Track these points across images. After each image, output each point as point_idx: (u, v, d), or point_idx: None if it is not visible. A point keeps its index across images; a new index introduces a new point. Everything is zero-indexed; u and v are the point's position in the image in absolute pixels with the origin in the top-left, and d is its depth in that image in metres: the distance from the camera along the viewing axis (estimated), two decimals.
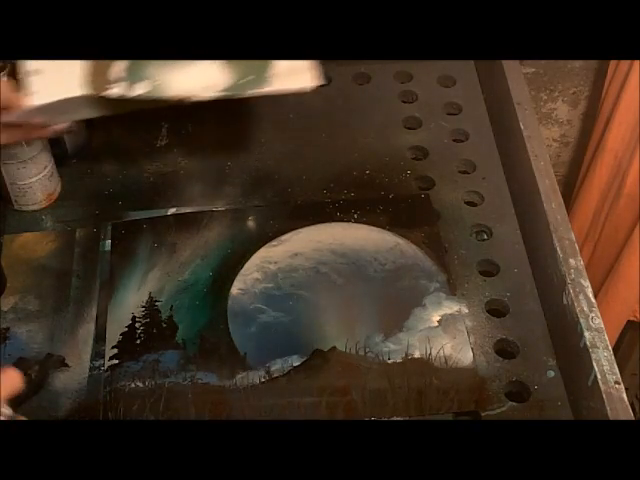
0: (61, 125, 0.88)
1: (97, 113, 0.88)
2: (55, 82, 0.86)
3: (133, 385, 0.82)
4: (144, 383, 0.82)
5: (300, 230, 0.95)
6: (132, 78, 0.87)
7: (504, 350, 0.86)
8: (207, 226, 0.96)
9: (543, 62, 1.33)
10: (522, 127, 0.99)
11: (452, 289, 0.90)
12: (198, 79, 0.88)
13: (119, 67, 0.87)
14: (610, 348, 0.80)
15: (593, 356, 0.79)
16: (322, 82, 0.88)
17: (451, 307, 0.89)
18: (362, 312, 0.89)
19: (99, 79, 0.87)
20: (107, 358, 0.85)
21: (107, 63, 0.88)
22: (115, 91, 0.85)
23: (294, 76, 0.88)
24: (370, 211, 0.97)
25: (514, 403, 0.81)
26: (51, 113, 0.86)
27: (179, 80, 0.88)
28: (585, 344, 0.80)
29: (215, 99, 0.86)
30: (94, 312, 0.89)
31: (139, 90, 0.86)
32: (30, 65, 0.86)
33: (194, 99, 0.85)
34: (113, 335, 0.86)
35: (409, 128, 1.07)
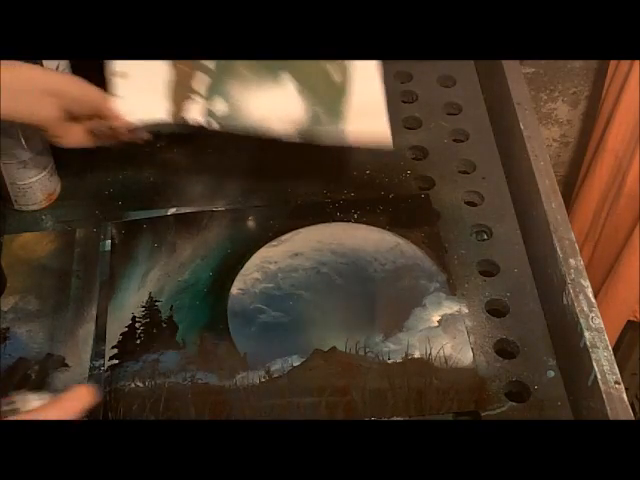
0: (141, 133, 0.92)
1: (180, 131, 0.93)
2: (140, 90, 0.90)
3: (133, 385, 0.82)
4: (144, 383, 0.82)
5: (300, 230, 0.95)
6: (211, 94, 0.92)
7: (504, 350, 0.86)
8: (207, 226, 0.96)
9: (543, 62, 1.33)
10: (522, 127, 0.99)
11: (452, 289, 0.90)
12: (274, 106, 0.91)
13: (201, 80, 0.92)
14: (610, 348, 0.80)
15: (593, 356, 0.79)
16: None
17: (451, 307, 0.89)
18: (362, 312, 0.89)
19: (181, 89, 0.92)
20: (107, 358, 0.85)
21: (190, 73, 0.92)
22: (197, 119, 0.90)
23: (368, 119, 0.91)
24: (370, 211, 0.97)
25: (514, 403, 0.81)
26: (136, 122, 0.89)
27: (256, 103, 0.92)
28: (585, 344, 0.80)
29: (289, 140, 0.90)
30: (94, 312, 0.89)
31: (218, 108, 0.91)
32: (117, 66, 0.90)
33: (270, 135, 0.87)
34: (113, 335, 0.86)
35: (409, 128, 1.07)
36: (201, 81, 0.93)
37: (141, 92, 0.91)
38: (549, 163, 0.95)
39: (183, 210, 0.98)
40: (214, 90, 0.92)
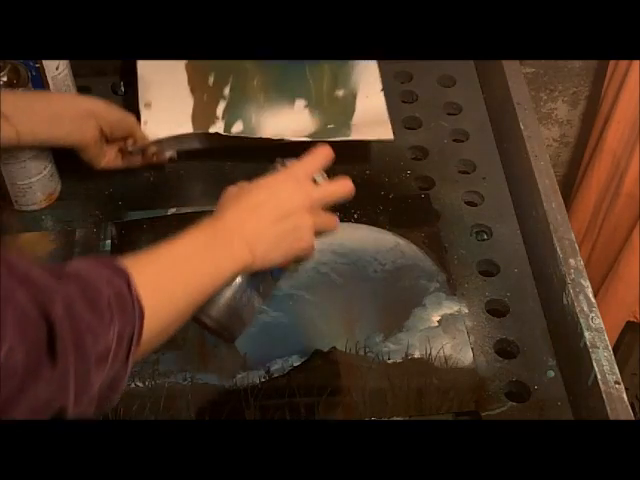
0: (168, 153, 0.99)
1: (201, 146, 0.99)
2: (166, 117, 0.99)
3: (133, 385, 0.82)
4: (144, 383, 0.82)
5: None
6: (230, 118, 1.00)
7: (504, 350, 0.86)
8: None
9: (543, 62, 1.33)
10: (522, 127, 0.99)
11: (452, 289, 0.90)
12: (288, 124, 0.99)
13: (221, 107, 1.01)
14: (610, 348, 0.80)
15: (593, 356, 0.79)
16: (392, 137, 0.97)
17: (451, 307, 0.89)
18: (362, 312, 0.89)
19: (204, 116, 1.00)
20: None
21: (213, 102, 1.01)
22: (216, 129, 0.98)
23: (374, 127, 0.98)
24: (370, 211, 0.97)
25: (514, 403, 0.81)
26: (164, 143, 0.97)
27: (271, 123, 1.00)
28: (585, 344, 0.79)
29: (301, 141, 0.95)
30: None
31: (235, 129, 0.98)
32: (142, 100, 1.00)
33: (284, 141, 0.94)
34: None
35: (409, 128, 1.07)
36: (220, 107, 1.01)
37: (167, 119, 0.99)
38: (549, 163, 0.95)
39: (183, 210, 0.98)
40: (232, 115, 1.00)
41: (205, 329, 0.71)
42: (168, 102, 1.00)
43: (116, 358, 0.54)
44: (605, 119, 1.30)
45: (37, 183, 0.95)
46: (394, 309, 0.89)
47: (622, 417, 0.74)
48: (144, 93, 1.00)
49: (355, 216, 0.96)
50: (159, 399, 0.82)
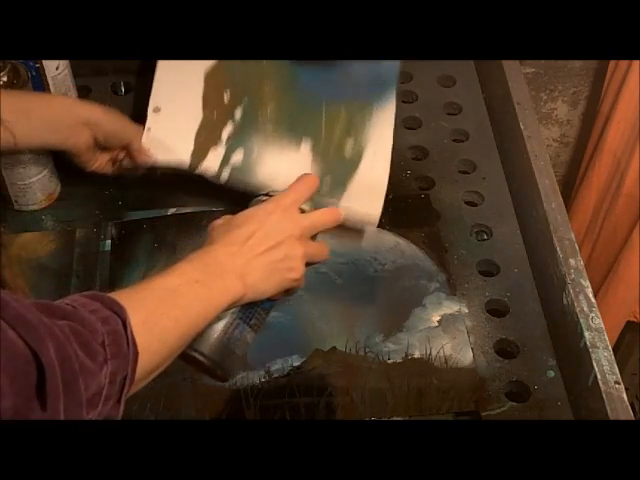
0: (158, 170, 0.96)
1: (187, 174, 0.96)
2: (170, 128, 0.96)
3: None
4: None
5: None
6: (233, 144, 0.96)
7: (504, 350, 0.86)
8: (207, 226, 0.96)
9: (543, 62, 1.33)
10: (522, 127, 0.99)
11: (452, 289, 0.90)
12: (286, 168, 0.94)
13: (227, 129, 0.97)
14: (610, 348, 0.80)
15: (593, 356, 0.79)
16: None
17: (451, 307, 0.89)
18: (362, 312, 0.89)
19: (207, 134, 0.97)
20: None
21: (218, 120, 0.97)
22: (208, 172, 0.95)
23: (366, 197, 0.92)
24: None
25: (514, 403, 0.81)
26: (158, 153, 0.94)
27: (270, 162, 0.96)
28: (585, 344, 0.80)
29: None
30: None
31: (235, 157, 0.95)
32: (152, 103, 0.97)
33: (271, 194, 0.87)
34: None
35: (409, 128, 1.07)
36: (226, 130, 0.97)
37: (171, 130, 0.96)
38: (549, 163, 0.95)
39: (183, 210, 0.98)
40: (236, 141, 0.97)
41: (197, 368, 0.69)
42: (177, 112, 0.97)
43: (108, 399, 0.54)
44: (605, 119, 1.30)
45: (37, 183, 0.95)
46: (394, 309, 0.89)
47: (622, 417, 0.74)
48: (156, 96, 0.98)
49: None
50: (159, 399, 0.82)
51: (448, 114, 1.09)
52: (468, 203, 0.99)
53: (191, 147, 0.96)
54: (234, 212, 0.97)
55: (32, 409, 0.48)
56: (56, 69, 0.96)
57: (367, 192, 0.92)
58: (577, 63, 1.34)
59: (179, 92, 0.99)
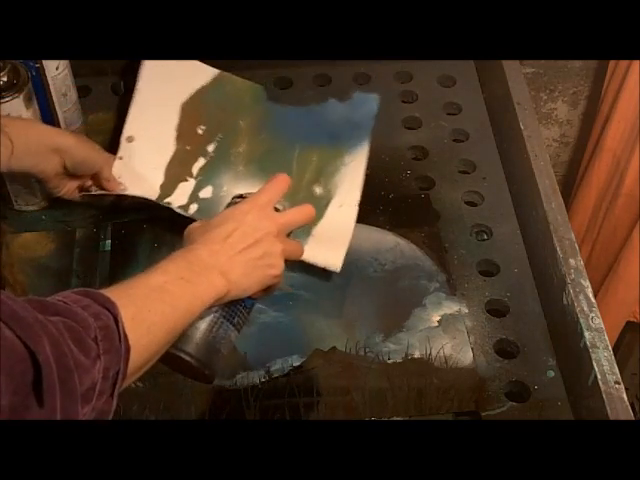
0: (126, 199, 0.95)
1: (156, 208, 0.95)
2: (141, 159, 0.96)
3: (133, 385, 0.82)
4: (144, 383, 0.82)
5: None
6: (203, 179, 0.96)
7: (504, 350, 0.86)
8: None
9: (543, 62, 1.33)
10: (522, 127, 0.99)
11: (452, 289, 0.90)
12: None
13: (199, 163, 0.97)
14: (610, 348, 0.80)
15: (593, 356, 0.79)
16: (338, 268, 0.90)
17: (451, 307, 0.89)
18: (362, 312, 0.89)
19: (178, 167, 0.97)
20: None
21: (191, 154, 0.97)
22: (176, 204, 0.94)
23: (329, 248, 0.91)
24: (370, 211, 0.97)
25: (514, 403, 0.81)
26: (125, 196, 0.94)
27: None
28: (585, 344, 0.80)
29: None
30: None
31: (203, 193, 0.95)
32: (126, 132, 0.97)
33: (245, 195, 0.84)
34: None
35: (409, 128, 1.07)
36: (198, 164, 0.97)
37: (142, 161, 0.96)
38: (549, 163, 0.95)
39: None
40: (207, 176, 0.97)
41: (183, 373, 0.69)
42: (149, 142, 0.97)
43: (102, 394, 0.54)
44: (605, 119, 1.30)
45: (37, 183, 0.95)
46: (394, 309, 0.89)
47: (622, 417, 0.74)
48: (131, 125, 0.98)
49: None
50: (159, 399, 0.82)
51: (448, 114, 1.09)
52: (468, 203, 0.99)
53: (162, 179, 0.95)
54: None
55: (29, 407, 0.48)
56: (56, 69, 0.95)
57: (331, 240, 0.92)
58: (577, 63, 1.34)
59: (154, 123, 0.99)
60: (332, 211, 0.94)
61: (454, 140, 1.06)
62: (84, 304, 0.55)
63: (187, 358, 0.67)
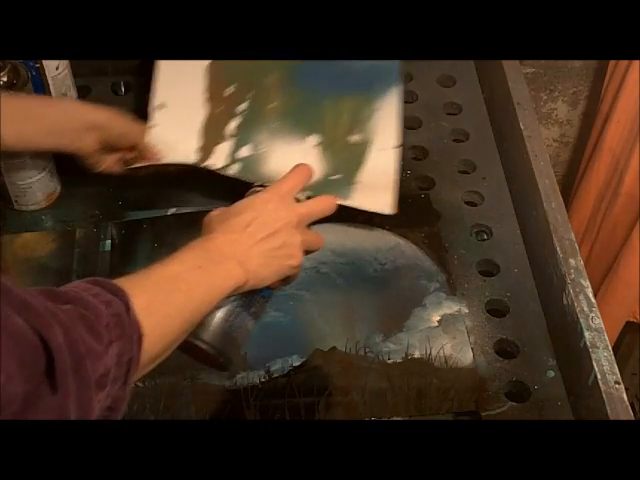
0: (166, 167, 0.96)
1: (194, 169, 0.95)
2: (176, 125, 0.96)
3: (133, 385, 0.82)
4: (144, 383, 0.82)
5: None
6: (240, 139, 0.96)
7: (504, 350, 0.86)
8: None
9: (543, 62, 1.33)
10: (522, 127, 0.99)
11: (452, 289, 0.90)
12: (295, 161, 0.91)
13: (233, 124, 0.97)
14: (610, 348, 0.80)
15: (593, 356, 0.79)
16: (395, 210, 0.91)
17: (451, 307, 0.89)
18: (362, 312, 0.89)
19: (213, 129, 0.96)
20: None
21: (224, 115, 0.97)
22: (215, 166, 0.94)
23: (376, 193, 0.92)
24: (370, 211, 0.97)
25: (514, 403, 0.81)
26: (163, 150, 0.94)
27: (278, 156, 0.95)
28: (585, 344, 0.80)
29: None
30: None
31: (243, 152, 0.95)
32: (156, 99, 0.97)
33: (265, 184, 0.88)
34: None
35: (409, 128, 1.07)
36: (233, 124, 0.97)
37: (176, 127, 0.96)
38: (549, 163, 0.95)
39: (183, 210, 0.98)
40: (243, 135, 0.96)
41: (197, 358, 0.69)
42: (181, 107, 0.97)
43: (116, 380, 0.54)
44: (605, 119, 1.30)
45: (37, 183, 0.95)
46: (394, 309, 0.89)
47: (622, 417, 0.74)
48: (160, 93, 0.97)
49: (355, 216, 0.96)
50: (159, 399, 0.82)
51: (448, 114, 1.09)
52: (468, 203, 0.99)
53: (197, 142, 0.96)
54: None
55: (42, 395, 0.48)
56: (56, 69, 0.96)
57: (377, 185, 0.93)
58: (577, 63, 1.34)
59: (182, 88, 0.99)
60: (373, 156, 0.96)
61: (454, 140, 1.06)
62: (94, 292, 0.55)
63: (202, 345, 0.67)
